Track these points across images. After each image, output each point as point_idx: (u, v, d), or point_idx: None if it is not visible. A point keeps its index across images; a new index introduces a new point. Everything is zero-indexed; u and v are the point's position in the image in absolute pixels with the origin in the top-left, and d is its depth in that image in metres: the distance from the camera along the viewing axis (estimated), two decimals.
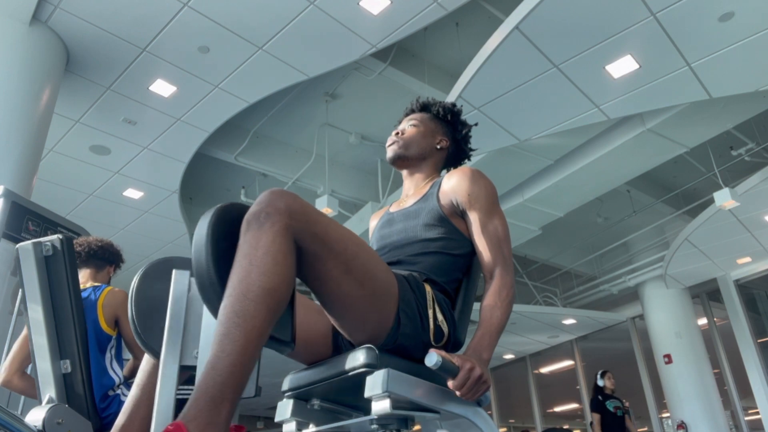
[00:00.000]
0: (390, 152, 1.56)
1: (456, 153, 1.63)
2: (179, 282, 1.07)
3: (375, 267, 1.16)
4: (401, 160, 1.56)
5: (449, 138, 1.61)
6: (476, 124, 1.72)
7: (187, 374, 1.16)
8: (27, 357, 2.16)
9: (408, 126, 1.59)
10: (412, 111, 1.65)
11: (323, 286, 1.12)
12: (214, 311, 0.99)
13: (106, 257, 2.37)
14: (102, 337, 2.12)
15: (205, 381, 0.88)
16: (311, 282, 1.12)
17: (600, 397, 6.11)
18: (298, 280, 1.08)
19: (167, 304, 1.09)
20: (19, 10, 4.33)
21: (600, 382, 6.22)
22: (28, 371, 2.21)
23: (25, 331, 2.17)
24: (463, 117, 1.66)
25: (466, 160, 1.68)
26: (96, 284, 2.27)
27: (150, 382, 1.24)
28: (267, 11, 4.53)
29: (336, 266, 1.08)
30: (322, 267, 1.08)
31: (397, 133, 1.58)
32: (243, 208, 1.06)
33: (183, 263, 1.18)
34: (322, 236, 1.06)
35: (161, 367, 1.06)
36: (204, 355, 1.04)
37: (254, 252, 0.97)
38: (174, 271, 1.10)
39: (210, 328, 1.10)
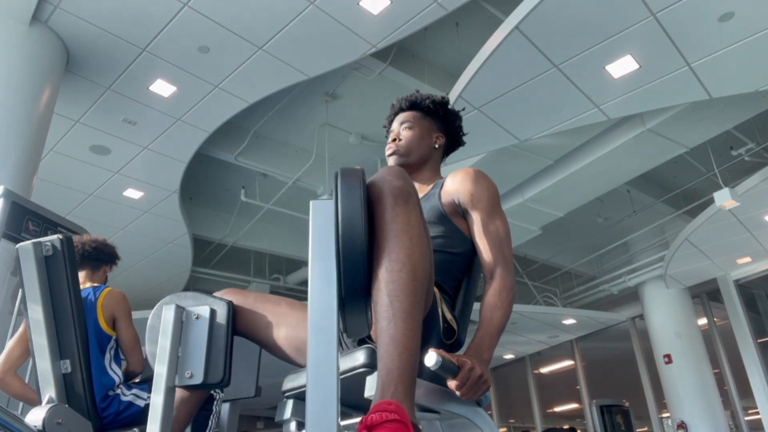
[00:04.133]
0: (392, 162, 1.53)
1: (451, 144, 1.62)
2: (167, 317, 1.13)
3: None
4: (405, 169, 1.54)
5: (443, 132, 1.59)
6: (463, 109, 1.68)
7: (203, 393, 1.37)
8: (21, 355, 2.14)
9: (402, 129, 1.54)
10: (401, 109, 1.59)
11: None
12: (355, 280, 0.97)
13: (101, 257, 2.36)
14: (102, 338, 2.12)
15: (401, 360, 0.90)
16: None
17: None
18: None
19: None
20: (19, 10, 4.33)
21: None
22: (28, 371, 2.19)
23: (21, 329, 2.16)
24: (451, 106, 1.61)
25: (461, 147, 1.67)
26: (95, 285, 2.27)
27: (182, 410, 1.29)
28: (267, 11, 4.52)
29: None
30: None
31: (394, 140, 1.54)
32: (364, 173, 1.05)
33: (185, 299, 1.21)
34: None
35: (154, 390, 1.10)
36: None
37: (410, 230, 0.98)
38: (163, 307, 1.15)
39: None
